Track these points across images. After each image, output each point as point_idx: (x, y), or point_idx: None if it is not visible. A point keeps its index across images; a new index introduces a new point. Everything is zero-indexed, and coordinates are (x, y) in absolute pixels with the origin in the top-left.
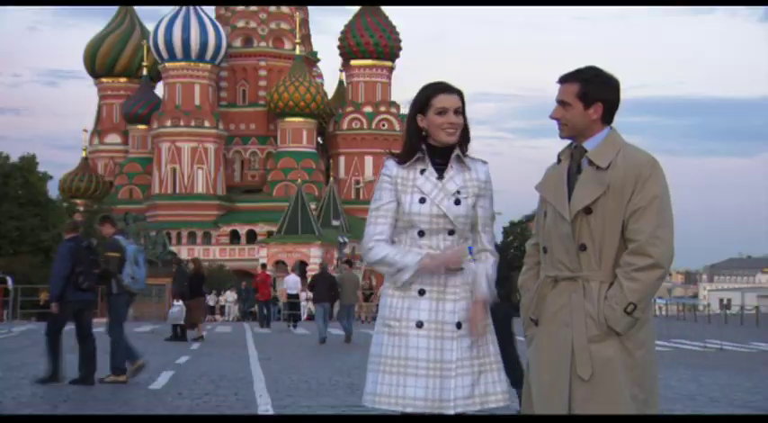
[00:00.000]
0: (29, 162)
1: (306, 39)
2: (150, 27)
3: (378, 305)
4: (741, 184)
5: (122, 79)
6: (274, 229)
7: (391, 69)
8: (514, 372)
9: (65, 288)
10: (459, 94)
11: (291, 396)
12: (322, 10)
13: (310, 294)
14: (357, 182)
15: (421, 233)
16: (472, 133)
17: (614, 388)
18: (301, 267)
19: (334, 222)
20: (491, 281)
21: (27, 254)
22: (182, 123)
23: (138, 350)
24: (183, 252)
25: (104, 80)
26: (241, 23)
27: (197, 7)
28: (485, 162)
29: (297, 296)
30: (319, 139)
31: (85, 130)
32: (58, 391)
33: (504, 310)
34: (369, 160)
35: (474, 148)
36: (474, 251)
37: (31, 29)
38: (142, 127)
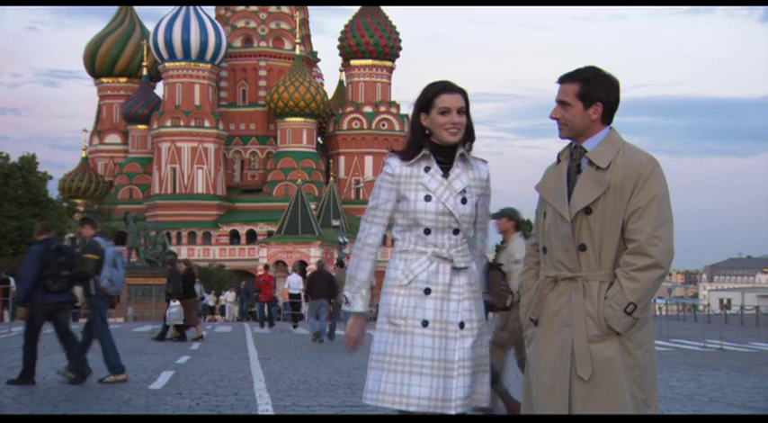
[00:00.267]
0: (29, 162)
1: (306, 39)
2: (150, 27)
3: (377, 304)
4: (741, 184)
5: (122, 79)
6: (274, 229)
7: (391, 69)
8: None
9: (33, 291)
10: (463, 93)
11: (291, 396)
12: (322, 10)
13: None
14: (357, 182)
15: (427, 231)
16: None
17: (614, 388)
18: (301, 267)
19: (334, 222)
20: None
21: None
22: (182, 123)
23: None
24: (183, 252)
25: (104, 80)
26: (241, 23)
27: (197, 7)
28: (485, 161)
29: (299, 296)
30: (319, 139)
31: (85, 130)
32: (58, 391)
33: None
34: (369, 160)
35: (474, 147)
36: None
37: (31, 29)
38: (142, 127)
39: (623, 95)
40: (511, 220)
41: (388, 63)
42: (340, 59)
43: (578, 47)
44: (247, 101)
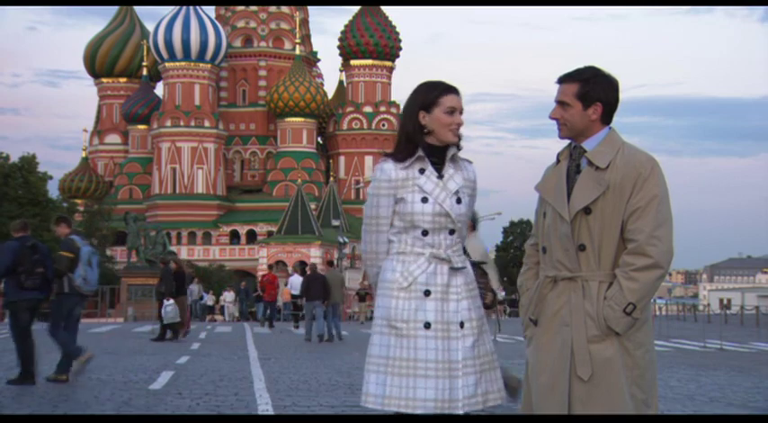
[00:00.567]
0: (29, 162)
1: (306, 39)
2: (150, 27)
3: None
4: (741, 184)
5: (122, 79)
6: (274, 229)
7: (391, 69)
8: None
9: (7, 288)
10: (460, 95)
11: (291, 396)
12: (322, 10)
13: None
14: (357, 182)
15: (424, 233)
16: (472, 133)
17: (614, 388)
18: (302, 268)
19: (334, 222)
20: None
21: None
22: (182, 123)
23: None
24: (183, 252)
25: (104, 80)
26: (241, 23)
27: (197, 7)
28: (470, 162)
29: (301, 296)
30: (319, 139)
31: (85, 130)
32: (58, 391)
33: None
34: (369, 160)
35: (473, 147)
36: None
37: (31, 29)
38: (142, 127)
39: (623, 95)
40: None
41: (388, 63)
42: (340, 59)
43: (578, 47)
44: (247, 101)
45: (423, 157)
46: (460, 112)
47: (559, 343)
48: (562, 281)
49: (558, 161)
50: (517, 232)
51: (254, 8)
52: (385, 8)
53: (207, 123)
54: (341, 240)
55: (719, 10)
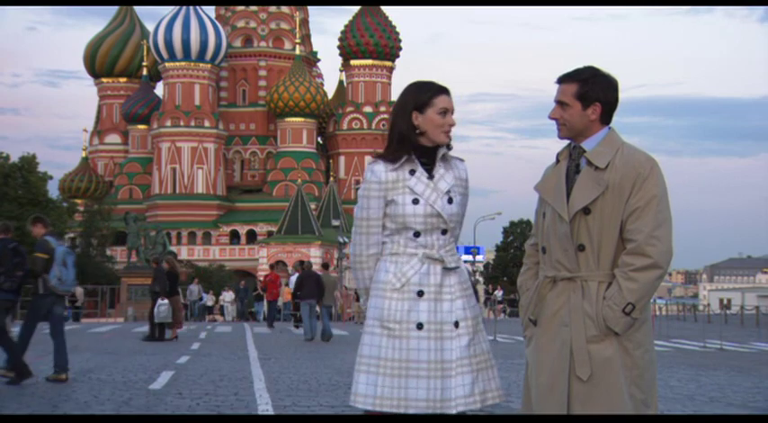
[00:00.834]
0: (29, 162)
1: (306, 39)
2: (150, 27)
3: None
4: (741, 184)
5: (122, 79)
6: (274, 229)
7: (391, 69)
8: None
9: None
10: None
11: (291, 396)
12: (322, 10)
13: None
14: (357, 182)
15: (416, 234)
16: (471, 133)
17: (613, 388)
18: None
19: (334, 222)
20: None
21: (27, 254)
22: (182, 123)
23: (67, 360)
24: (183, 252)
25: (104, 80)
26: (241, 23)
27: (197, 7)
28: (462, 160)
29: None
30: (319, 139)
31: (85, 130)
32: (58, 391)
33: None
34: (369, 160)
35: (473, 147)
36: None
37: (31, 29)
38: (142, 127)
39: (623, 95)
40: None
41: (388, 63)
42: (340, 59)
43: (578, 47)
44: (247, 101)
45: (413, 158)
46: (452, 113)
47: (559, 343)
48: (561, 281)
49: (558, 161)
50: (517, 232)
51: (254, 8)
52: (385, 8)
53: (207, 123)
54: (341, 240)
55: (719, 10)
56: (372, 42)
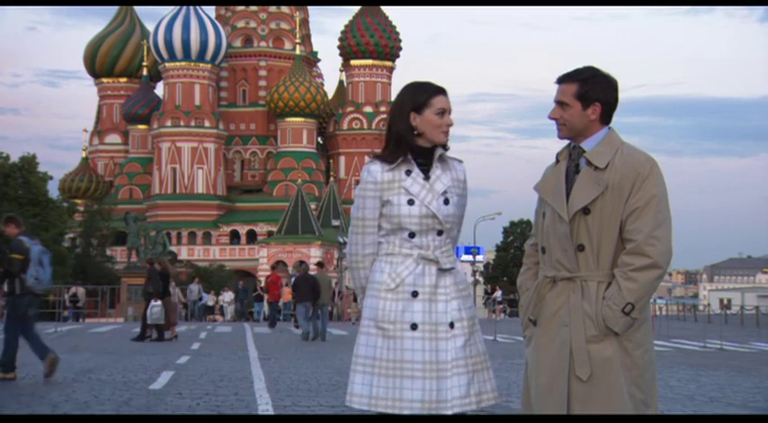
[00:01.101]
0: (29, 162)
1: (306, 39)
2: (150, 27)
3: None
4: (741, 184)
5: (122, 79)
6: (274, 229)
7: (391, 69)
8: None
9: None
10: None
11: (291, 396)
12: (322, 10)
13: None
14: (357, 182)
15: (411, 234)
16: (471, 133)
17: (613, 388)
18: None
19: (335, 222)
20: None
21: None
22: (182, 123)
23: (47, 346)
24: (184, 252)
25: (104, 80)
26: (241, 23)
27: (197, 7)
28: (460, 161)
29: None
30: (319, 139)
31: (85, 130)
32: (58, 392)
33: None
34: (367, 160)
35: (473, 147)
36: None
37: (31, 29)
38: (142, 127)
39: (623, 95)
40: None
41: (389, 63)
42: (340, 59)
43: (578, 47)
44: (247, 101)
45: (409, 159)
46: (450, 113)
47: (558, 343)
48: (561, 281)
49: (558, 161)
50: (517, 232)
51: (254, 8)
52: (385, 8)
53: (207, 123)
54: (341, 240)
55: (719, 10)
56: (372, 42)
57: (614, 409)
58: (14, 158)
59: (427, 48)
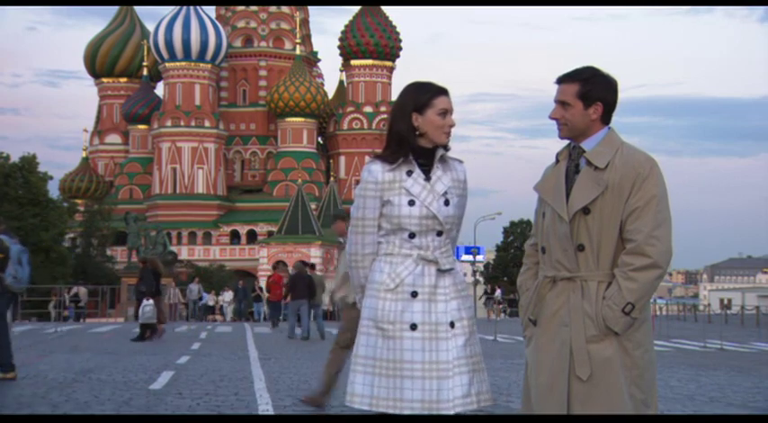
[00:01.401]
0: (29, 162)
1: (306, 39)
2: (150, 27)
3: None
4: (741, 184)
5: (123, 79)
6: (275, 229)
7: (391, 69)
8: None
9: None
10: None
11: (292, 396)
12: (322, 10)
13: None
14: (357, 182)
15: (411, 235)
16: (471, 133)
17: (613, 388)
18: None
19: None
20: None
21: None
22: (182, 123)
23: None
24: (184, 252)
25: (105, 80)
26: (241, 23)
27: (197, 7)
28: (461, 161)
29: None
30: (320, 139)
31: (86, 130)
32: (59, 392)
33: None
34: (368, 160)
35: (473, 147)
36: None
37: (31, 29)
38: (142, 127)
39: (622, 95)
40: (344, 220)
41: (389, 63)
42: (340, 59)
43: (578, 47)
44: (248, 101)
45: (410, 159)
46: (451, 114)
47: (558, 343)
48: (561, 281)
49: (558, 161)
50: (517, 232)
51: (254, 8)
52: (385, 8)
53: (207, 123)
54: (341, 240)
55: (719, 10)
56: (373, 42)
57: (614, 409)
58: (15, 158)
59: (427, 48)
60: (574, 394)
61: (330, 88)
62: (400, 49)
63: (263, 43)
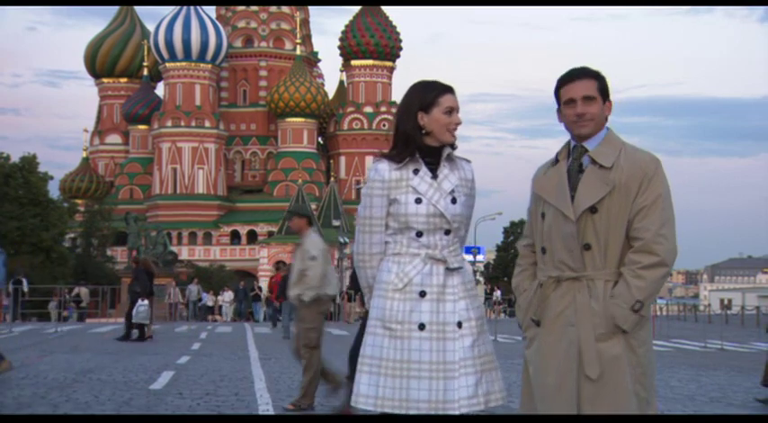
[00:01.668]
0: (29, 162)
1: (306, 39)
2: (151, 27)
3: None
4: (741, 184)
5: (123, 79)
6: (275, 229)
7: (392, 69)
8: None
9: None
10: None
11: (292, 396)
12: (322, 10)
13: None
14: (358, 182)
15: (419, 234)
16: (471, 133)
17: (622, 386)
18: None
19: (335, 222)
20: None
21: (27, 254)
22: (182, 123)
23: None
24: (184, 252)
25: (105, 80)
26: (242, 24)
27: (197, 7)
28: (468, 161)
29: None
30: (320, 139)
31: (86, 131)
32: (58, 392)
33: None
34: (369, 160)
35: (473, 148)
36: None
37: (31, 29)
38: (143, 127)
39: (622, 96)
40: (302, 217)
41: (389, 63)
42: (340, 60)
43: (578, 47)
44: (248, 101)
45: (417, 158)
46: (458, 112)
47: (565, 343)
48: (566, 281)
49: (558, 161)
50: (517, 232)
51: (254, 8)
52: (385, 8)
53: (207, 123)
54: (341, 240)
55: (719, 10)
56: (373, 42)
57: (622, 407)
58: (15, 158)
59: (427, 48)
60: (583, 394)
61: (330, 88)
62: (400, 49)
63: (264, 43)
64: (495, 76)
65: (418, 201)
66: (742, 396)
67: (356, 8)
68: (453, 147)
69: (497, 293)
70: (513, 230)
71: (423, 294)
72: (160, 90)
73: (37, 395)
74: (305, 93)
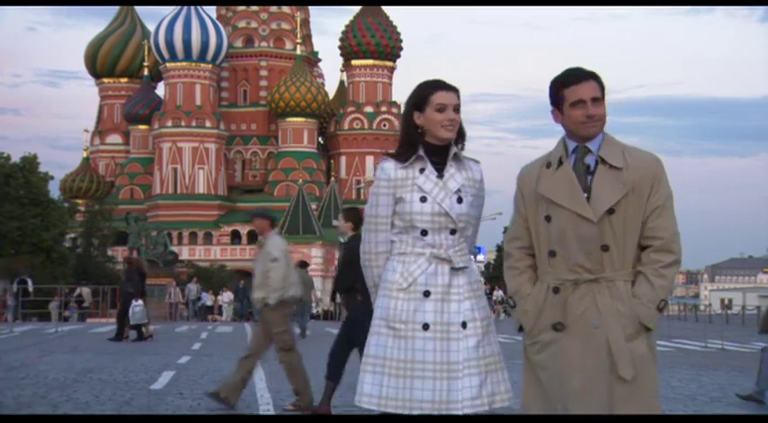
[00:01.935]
0: (30, 162)
1: (307, 39)
2: (151, 27)
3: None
4: (741, 184)
5: (123, 79)
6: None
7: (392, 69)
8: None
9: None
10: (457, 91)
11: (292, 396)
12: (323, 10)
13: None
14: (358, 182)
15: (424, 232)
16: (471, 133)
17: (652, 385)
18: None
19: (335, 222)
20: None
21: (28, 254)
22: (183, 123)
23: None
24: (185, 252)
25: (105, 80)
26: (242, 23)
27: (198, 7)
28: (477, 162)
29: None
30: (320, 139)
31: (86, 131)
32: (58, 392)
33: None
34: (370, 160)
35: (474, 148)
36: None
37: (31, 29)
38: (143, 127)
39: (622, 96)
40: (265, 218)
41: (389, 63)
42: (341, 59)
43: (578, 47)
44: (248, 101)
45: (422, 156)
46: (456, 109)
47: (592, 346)
48: (584, 284)
49: (560, 163)
50: None
51: (254, 8)
52: (386, 8)
53: (208, 123)
54: (342, 240)
55: (719, 10)
56: (373, 42)
57: (653, 406)
58: (15, 158)
59: (428, 48)
60: (615, 395)
61: (331, 88)
62: (401, 49)
63: (264, 43)
64: (496, 76)
65: (423, 199)
66: None
67: (356, 8)
68: (461, 146)
69: (499, 293)
70: None
71: (427, 294)
72: (160, 90)
73: (37, 395)
74: (305, 93)
